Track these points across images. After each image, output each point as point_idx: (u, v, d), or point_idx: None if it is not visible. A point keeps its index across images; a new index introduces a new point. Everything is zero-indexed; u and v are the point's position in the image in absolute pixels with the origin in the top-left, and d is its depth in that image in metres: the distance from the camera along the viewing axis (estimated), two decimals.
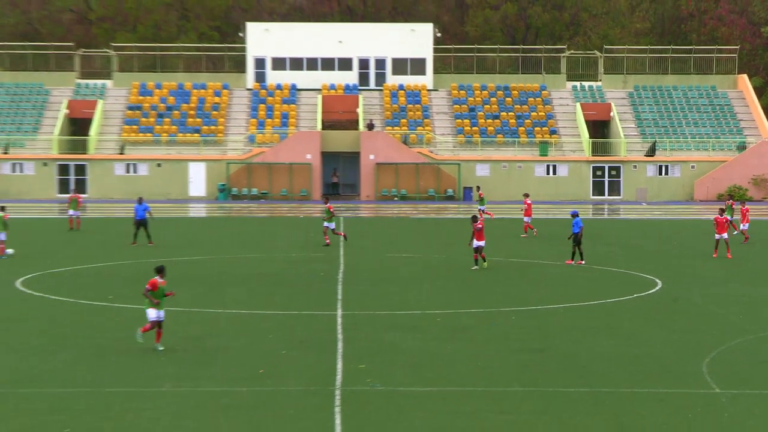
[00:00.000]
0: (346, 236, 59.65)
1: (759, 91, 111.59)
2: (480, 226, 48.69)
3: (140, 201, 61.21)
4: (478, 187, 69.94)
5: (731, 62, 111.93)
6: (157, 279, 31.28)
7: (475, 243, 48.83)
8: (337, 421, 24.60)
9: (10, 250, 53.57)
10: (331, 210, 59.49)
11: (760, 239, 64.13)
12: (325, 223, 59.12)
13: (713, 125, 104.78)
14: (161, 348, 31.30)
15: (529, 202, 67.24)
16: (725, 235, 55.12)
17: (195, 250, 58.35)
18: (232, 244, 61.79)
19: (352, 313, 38.31)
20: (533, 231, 65.30)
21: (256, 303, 40.57)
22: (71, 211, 69.16)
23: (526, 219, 66.17)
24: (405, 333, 34.62)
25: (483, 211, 73.07)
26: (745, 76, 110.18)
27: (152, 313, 31.34)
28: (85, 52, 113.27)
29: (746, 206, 63.59)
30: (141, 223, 59.74)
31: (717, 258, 53.95)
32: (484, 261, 49.35)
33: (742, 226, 61.66)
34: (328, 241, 58.65)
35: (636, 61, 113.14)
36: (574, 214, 52.53)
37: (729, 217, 57.95)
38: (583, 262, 51.35)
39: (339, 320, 36.85)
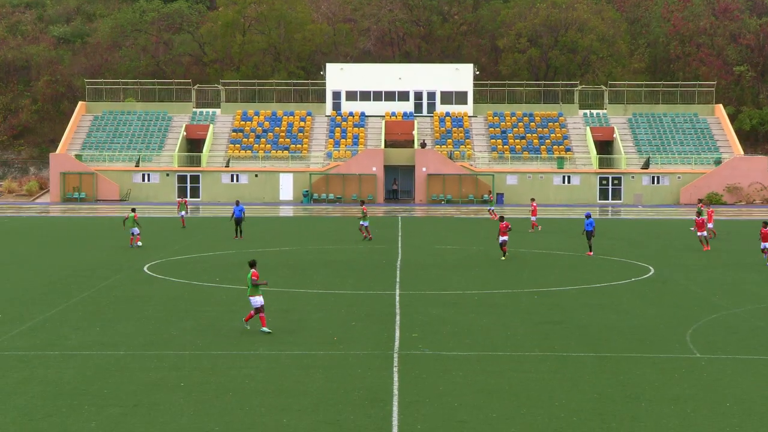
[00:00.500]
0: (372, 237, 59.27)
1: (732, 117, 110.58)
2: (504, 225, 48.55)
3: (237, 203, 61.13)
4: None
5: (710, 94, 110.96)
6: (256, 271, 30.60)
7: (501, 238, 48.76)
8: (395, 378, 24.53)
9: (140, 242, 54.02)
10: (365, 211, 59.33)
11: (734, 235, 63.51)
12: (361, 222, 59.03)
13: (695, 144, 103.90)
14: (268, 331, 29.95)
15: (535, 204, 67.53)
16: (705, 233, 54.65)
17: (284, 242, 58.47)
18: (312, 237, 61.87)
19: (407, 292, 38.23)
20: (538, 227, 65.16)
21: (332, 284, 40.56)
22: (182, 212, 69.51)
23: (533, 218, 66.34)
24: (449, 308, 34.52)
25: (491, 210, 75.24)
26: (720, 106, 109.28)
27: (257, 300, 30.14)
28: (199, 87, 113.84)
29: (711, 209, 63.21)
30: (238, 221, 59.48)
31: (703, 250, 53.49)
32: (504, 254, 49.11)
33: (709, 225, 61.24)
34: (366, 236, 58.45)
35: (634, 94, 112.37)
36: (588, 215, 52.29)
37: (704, 217, 57.69)
38: (592, 253, 51.03)
39: (397, 298, 36.79)
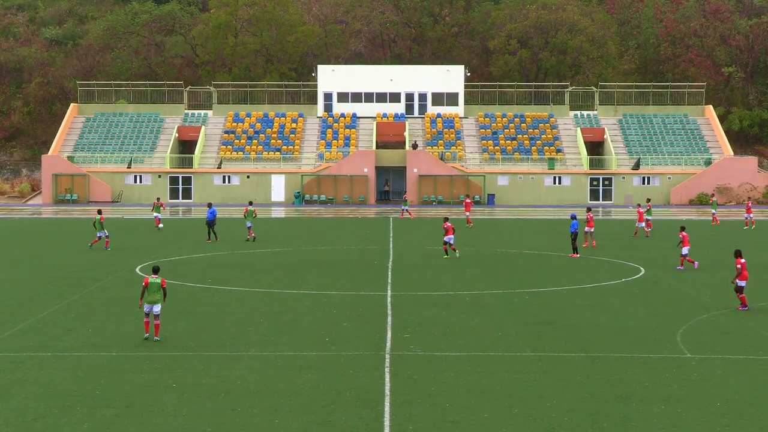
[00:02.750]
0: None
1: (721, 118, 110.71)
2: (448, 225, 50.24)
3: (210, 205, 60.22)
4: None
5: (699, 95, 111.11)
6: (149, 277, 29.02)
7: (446, 238, 50.17)
8: (387, 379, 24.54)
9: (108, 247, 53.20)
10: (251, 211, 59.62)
11: (723, 235, 63.61)
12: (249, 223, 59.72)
13: (685, 145, 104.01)
14: (156, 339, 28.97)
15: (469, 201, 72.35)
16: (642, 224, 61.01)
17: (276, 243, 58.44)
18: (304, 238, 61.84)
19: (399, 293, 38.23)
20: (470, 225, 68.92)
21: (323, 285, 40.53)
22: (156, 213, 67.70)
23: (466, 213, 70.92)
24: (440, 309, 34.52)
25: (405, 210, 76.85)
26: (710, 107, 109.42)
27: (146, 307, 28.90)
28: (191, 88, 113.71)
29: (640, 209, 64.59)
30: (211, 223, 58.32)
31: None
32: (455, 251, 50.28)
33: (638, 224, 62.81)
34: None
35: (624, 95, 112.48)
36: (573, 216, 52.29)
37: (649, 217, 62.64)
38: (578, 255, 50.96)
39: (388, 299, 36.79)
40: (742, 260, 34.04)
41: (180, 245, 56.45)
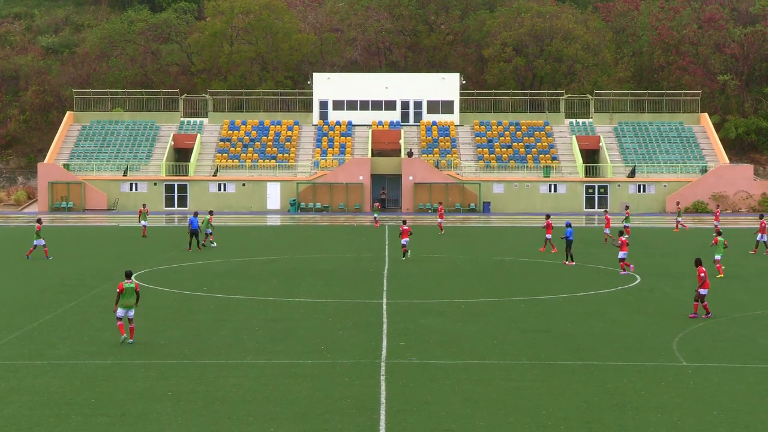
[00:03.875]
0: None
1: (717, 126, 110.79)
2: (405, 228, 52.99)
3: (196, 214, 58.59)
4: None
5: (695, 103, 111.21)
6: (123, 282, 29.63)
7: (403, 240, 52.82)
8: (383, 387, 24.50)
9: (50, 256, 52.86)
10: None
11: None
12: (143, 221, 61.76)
13: (681, 153, 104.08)
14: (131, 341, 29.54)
15: (441, 207, 72.80)
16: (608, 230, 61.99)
17: (271, 251, 58.38)
18: (300, 246, 61.77)
19: (395, 301, 38.19)
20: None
21: (319, 293, 40.50)
22: (143, 222, 67.22)
23: (439, 220, 71.71)
24: (436, 317, 34.49)
25: (376, 218, 74.71)
26: (706, 115, 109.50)
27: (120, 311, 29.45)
28: (187, 96, 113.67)
29: (608, 215, 65.24)
30: (194, 232, 57.03)
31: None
32: (405, 254, 52.80)
33: (606, 231, 63.08)
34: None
35: (620, 103, 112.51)
36: (568, 224, 52.30)
37: (627, 224, 63.96)
38: (574, 263, 50.91)
39: (384, 307, 36.75)
40: (704, 269, 34.35)
41: (175, 253, 56.34)
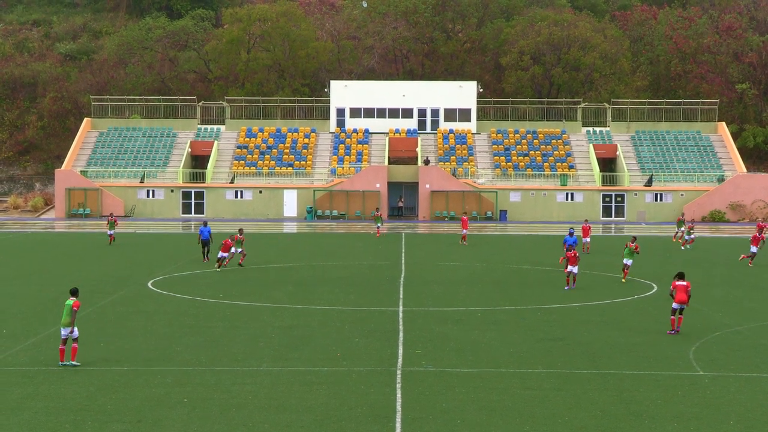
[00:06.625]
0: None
1: (735, 135, 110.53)
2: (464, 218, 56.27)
3: (205, 224, 56.88)
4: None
5: (712, 112, 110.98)
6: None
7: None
8: (398, 395, 24.49)
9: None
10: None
11: (737, 253, 63.41)
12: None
13: (698, 162, 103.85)
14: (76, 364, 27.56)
15: (466, 217, 70.05)
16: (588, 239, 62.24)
17: (288, 258, 58.42)
18: (317, 253, 61.80)
19: (411, 309, 38.18)
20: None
21: (336, 300, 40.51)
22: (110, 231, 65.71)
23: (464, 231, 68.96)
24: (452, 325, 34.46)
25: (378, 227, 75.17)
26: (723, 124, 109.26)
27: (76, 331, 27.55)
28: (204, 103, 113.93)
29: (588, 224, 64.95)
30: (205, 242, 55.48)
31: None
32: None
33: (585, 239, 62.80)
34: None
35: (637, 111, 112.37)
36: (571, 232, 52.41)
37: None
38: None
39: (400, 315, 36.74)
40: (678, 283, 33.39)
41: (191, 260, 56.42)
